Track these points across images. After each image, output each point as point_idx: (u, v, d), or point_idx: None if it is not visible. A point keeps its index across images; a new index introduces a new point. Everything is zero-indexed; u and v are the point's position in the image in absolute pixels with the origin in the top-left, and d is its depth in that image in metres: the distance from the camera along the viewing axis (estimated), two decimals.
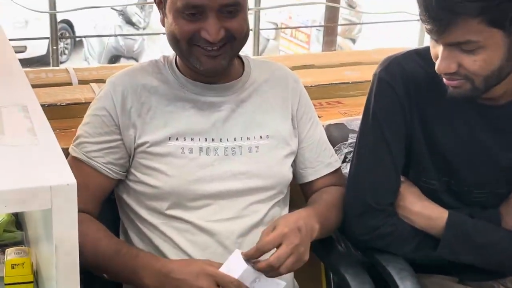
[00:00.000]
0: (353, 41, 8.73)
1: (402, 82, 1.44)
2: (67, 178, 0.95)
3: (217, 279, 1.25)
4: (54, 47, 3.46)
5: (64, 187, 0.93)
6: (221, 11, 1.32)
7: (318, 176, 1.56)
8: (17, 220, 1.40)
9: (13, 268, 1.18)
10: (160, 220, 1.42)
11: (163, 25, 1.40)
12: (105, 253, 1.34)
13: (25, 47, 6.94)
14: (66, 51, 8.52)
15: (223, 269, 1.27)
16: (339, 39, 6.96)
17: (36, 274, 1.21)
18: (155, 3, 1.41)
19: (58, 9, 3.46)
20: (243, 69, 1.51)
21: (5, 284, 1.19)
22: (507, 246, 1.46)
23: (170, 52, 1.49)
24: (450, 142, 1.46)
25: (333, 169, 1.58)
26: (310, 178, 1.56)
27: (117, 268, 1.35)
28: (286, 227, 1.32)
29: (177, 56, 1.46)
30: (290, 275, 1.51)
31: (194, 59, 1.37)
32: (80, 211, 1.02)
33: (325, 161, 1.57)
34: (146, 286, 1.35)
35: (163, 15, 1.39)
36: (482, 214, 1.48)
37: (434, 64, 1.34)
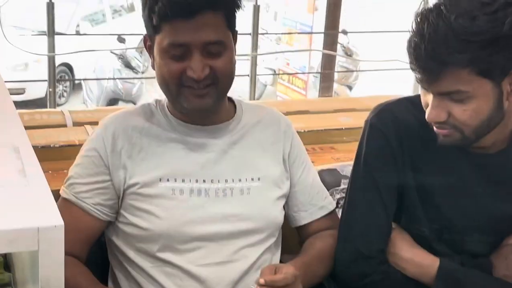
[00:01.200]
0: (350, 88, 8.79)
1: (393, 129, 1.45)
2: (55, 219, 0.94)
3: None
4: (51, 89, 3.48)
5: (52, 229, 0.93)
6: (205, 49, 1.34)
7: (312, 219, 1.56)
8: (6, 262, 1.38)
9: None
10: (149, 263, 1.41)
11: (154, 69, 1.41)
12: None
13: (24, 89, 6.97)
14: (65, 94, 8.56)
15: None
16: (336, 86, 7.01)
17: None
18: (146, 48, 1.43)
19: (57, 51, 3.49)
20: (235, 112, 1.51)
21: None
22: None
23: (164, 97, 1.50)
24: (441, 190, 1.46)
25: (327, 212, 1.57)
26: (304, 221, 1.55)
27: None
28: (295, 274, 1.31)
29: (167, 97, 1.46)
30: None
31: (183, 99, 1.38)
32: (66, 254, 1.01)
33: (319, 204, 1.57)
34: None
35: (153, 59, 1.40)
36: (474, 262, 1.47)
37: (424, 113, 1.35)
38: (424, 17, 1.28)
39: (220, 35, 1.35)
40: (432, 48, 1.25)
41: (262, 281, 1.25)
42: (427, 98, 1.34)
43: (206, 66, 1.34)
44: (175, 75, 1.35)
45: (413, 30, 1.30)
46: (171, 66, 1.35)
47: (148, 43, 1.41)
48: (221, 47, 1.36)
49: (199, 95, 1.37)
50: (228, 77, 1.40)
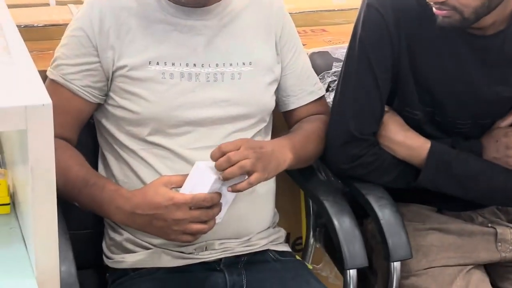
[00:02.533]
0: None
1: (392, 11, 1.41)
2: (43, 98, 0.92)
3: (189, 204, 1.24)
4: None
5: (40, 107, 0.91)
6: None
7: (301, 104, 1.54)
8: None
9: None
10: (140, 146, 1.40)
11: None
12: (74, 183, 1.32)
13: None
14: None
15: (187, 186, 1.25)
16: None
17: (12, 196, 1.20)
18: None
19: None
20: None
21: None
22: (487, 177, 1.47)
23: None
24: (436, 73, 1.44)
25: (317, 97, 1.56)
26: (293, 106, 1.54)
27: (85, 199, 1.33)
28: (249, 141, 1.34)
29: None
30: (271, 204, 1.51)
31: None
32: (57, 136, 1.00)
33: (308, 89, 1.55)
34: (115, 220, 1.37)
35: None
36: (464, 144, 1.48)
37: None
38: None
39: None
40: None
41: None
42: None
43: None
44: None
45: None
46: None
47: None
48: None
49: None
50: None
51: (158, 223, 1.27)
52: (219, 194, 1.27)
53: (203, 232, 1.27)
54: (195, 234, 1.27)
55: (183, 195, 1.25)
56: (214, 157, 1.26)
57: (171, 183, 1.28)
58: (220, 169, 1.25)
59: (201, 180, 1.25)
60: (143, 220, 1.28)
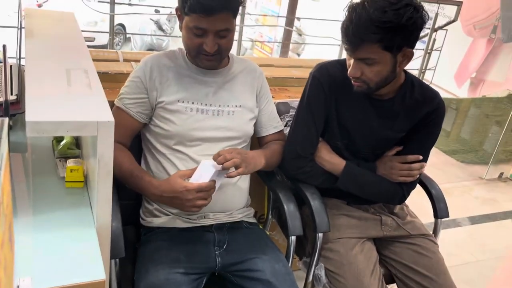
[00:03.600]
0: (298, 55, 8.70)
1: (327, 80, 1.42)
2: (109, 117, 0.92)
3: (197, 189, 1.23)
4: (111, 37, 3.37)
5: (106, 123, 0.91)
6: (217, 34, 1.28)
7: (269, 133, 1.53)
8: (77, 142, 1.35)
9: (71, 171, 1.16)
10: (168, 152, 1.38)
11: (180, 30, 1.34)
12: (125, 172, 1.30)
13: (94, 38, 6.73)
14: (120, 43, 8.31)
15: (195, 177, 1.25)
16: (290, 53, 6.96)
17: (85, 177, 1.18)
18: (177, 15, 1.34)
19: (115, 16, 3.36)
20: (229, 62, 1.46)
21: (66, 181, 1.17)
22: (377, 185, 1.48)
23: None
24: (350, 120, 1.44)
25: (278, 130, 1.55)
26: (263, 134, 1.53)
27: (131, 184, 1.32)
28: (238, 149, 1.35)
29: (187, 55, 1.40)
30: (246, 193, 1.50)
31: (198, 60, 1.34)
32: (116, 142, 0.99)
33: (273, 125, 1.54)
34: (150, 199, 1.38)
35: (181, 25, 1.32)
36: (365, 165, 1.48)
37: (347, 70, 1.32)
38: (353, 9, 1.25)
39: (227, 25, 1.28)
40: (356, 29, 1.22)
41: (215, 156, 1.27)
42: (350, 62, 1.31)
43: (215, 44, 1.29)
44: (195, 45, 1.30)
45: (346, 16, 1.26)
46: (193, 40, 1.29)
47: (178, 13, 1.32)
48: (227, 32, 1.30)
49: (209, 60, 1.33)
50: (228, 49, 1.36)
51: (176, 201, 1.26)
52: (215, 182, 1.26)
53: (204, 205, 1.26)
54: (200, 207, 1.26)
55: (192, 184, 1.24)
56: (214, 158, 1.26)
57: (184, 175, 1.27)
58: (219, 163, 1.25)
59: (204, 173, 1.24)
60: (167, 200, 1.28)
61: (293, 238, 1.43)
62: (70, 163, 1.16)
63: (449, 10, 5.08)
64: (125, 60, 1.89)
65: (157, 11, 7.32)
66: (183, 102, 1.36)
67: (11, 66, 1.46)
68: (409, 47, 1.27)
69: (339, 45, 4.12)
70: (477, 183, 3.64)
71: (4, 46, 1.25)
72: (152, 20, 8.16)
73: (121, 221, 1.20)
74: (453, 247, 2.62)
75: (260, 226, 1.53)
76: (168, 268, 1.23)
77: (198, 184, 1.24)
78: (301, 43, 7.77)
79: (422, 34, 1.30)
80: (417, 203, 1.69)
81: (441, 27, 4.51)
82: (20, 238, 0.78)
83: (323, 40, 4.37)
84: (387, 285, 1.47)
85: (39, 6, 5.89)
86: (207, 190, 1.24)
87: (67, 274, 0.87)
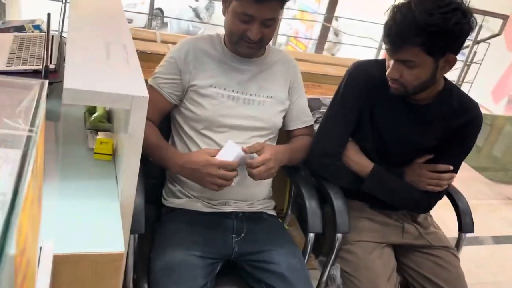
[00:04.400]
0: (333, 55, 8.64)
1: (364, 79, 1.40)
2: (144, 92, 0.93)
3: (219, 165, 1.24)
4: (150, 17, 3.41)
5: (141, 97, 0.91)
6: (263, 22, 1.27)
7: (297, 127, 1.52)
8: (109, 116, 1.37)
9: (101, 144, 1.17)
10: (195, 135, 1.38)
11: (224, 15, 1.34)
12: (151, 143, 1.30)
13: (132, 20, 6.83)
14: (157, 28, 8.42)
15: (220, 155, 1.26)
16: (324, 52, 6.91)
17: (114, 151, 1.19)
18: (222, 0, 1.34)
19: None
20: (264, 52, 1.45)
21: (94, 153, 1.18)
22: (404, 192, 1.45)
23: (222, 33, 1.44)
24: (384, 122, 1.42)
25: (307, 125, 1.53)
26: (292, 127, 1.52)
27: (155, 155, 1.33)
28: (269, 149, 1.33)
29: (226, 38, 1.40)
30: (268, 185, 1.49)
31: (239, 46, 1.33)
32: (147, 119, 0.99)
33: (303, 119, 1.52)
34: (172, 171, 1.36)
35: (226, 9, 1.32)
36: (394, 170, 1.45)
37: (386, 71, 1.30)
38: (398, 9, 1.22)
39: (274, 14, 1.27)
40: (400, 30, 1.20)
41: (244, 148, 1.28)
42: (390, 62, 1.29)
43: (260, 32, 1.28)
44: (239, 31, 1.29)
45: (389, 16, 1.23)
46: (238, 25, 1.28)
47: None
48: (273, 22, 1.29)
49: (250, 47, 1.33)
50: (270, 39, 1.35)
51: (197, 174, 1.26)
52: (238, 163, 1.26)
53: (224, 186, 1.26)
54: (220, 186, 1.26)
55: (215, 159, 1.25)
56: (249, 148, 1.29)
57: (209, 153, 1.28)
58: (250, 149, 1.28)
59: (229, 152, 1.25)
60: (188, 172, 1.28)
61: (311, 235, 1.41)
62: (101, 135, 1.18)
63: (494, 23, 4.93)
64: (163, 42, 1.90)
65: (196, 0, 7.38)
66: (215, 87, 1.36)
67: (52, 37, 1.48)
68: (452, 53, 1.24)
69: (376, 48, 4.05)
70: (505, 203, 3.53)
71: (48, 14, 1.27)
72: (191, 7, 8.23)
73: (144, 198, 1.21)
74: (472, 265, 2.55)
75: (279, 220, 1.53)
76: (185, 250, 1.24)
77: (221, 160, 1.24)
78: (337, 42, 7.70)
79: (465, 43, 1.26)
80: (442, 215, 1.66)
81: (483, 40, 4.38)
82: (46, 203, 0.79)
83: (360, 41, 4.31)
84: None
85: None
86: (229, 170, 1.24)
87: (88, 242, 0.89)
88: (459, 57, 1.29)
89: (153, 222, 1.42)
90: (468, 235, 1.60)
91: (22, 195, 0.44)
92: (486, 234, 2.95)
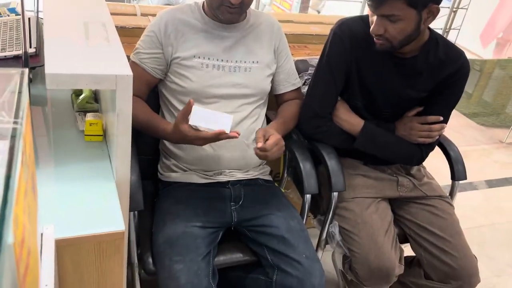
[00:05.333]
0: (318, 12, 8.47)
1: (349, 37, 1.38)
2: (127, 71, 0.91)
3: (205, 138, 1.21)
4: None
5: (125, 76, 0.90)
6: None
7: (286, 91, 1.51)
8: (95, 96, 1.36)
9: (90, 125, 1.17)
10: None
11: None
12: (142, 120, 1.31)
13: None
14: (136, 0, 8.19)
15: (192, 120, 1.19)
16: (310, 10, 6.78)
17: (104, 131, 1.19)
18: None
19: None
20: (246, 16, 1.42)
21: (85, 135, 1.18)
22: (396, 146, 1.46)
23: (199, 1, 1.42)
24: (372, 78, 1.42)
25: (295, 88, 1.53)
26: (280, 91, 1.51)
27: (148, 129, 1.33)
28: (273, 130, 1.32)
29: (205, 5, 1.37)
30: None
31: (219, 12, 1.30)
32: (134, 95, 0.99)
33: (291, 82, 1.51)
34: (166, 138, 1.34)
35: None
36: (385, 125, 1.46)
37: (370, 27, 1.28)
38: None
39: None
40: None
41: (260, 145, 1.24)
42: (373, 18, 1.27)
43: None
44: None
45: None
46: None
47: None
48: None
49: (230, 12, 1.30)
50: (251, 2, 1.32)
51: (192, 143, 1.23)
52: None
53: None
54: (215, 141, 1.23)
55: (200, 133, 1.20)
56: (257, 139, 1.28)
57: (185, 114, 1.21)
58: (257, 140, 1.27)
59: (220, 123, 1.18)
60: (178, 137, 1.25)
61: (308, 196, 1.44)
62: (89, 117, 1.17)
63: None
64: (143, 15, 1.85)
65: None
66: (199, 57, 1.35)
67: (29, 19, 1.45)
68: (434, 3, 1.22)
69: (361, 1, 3.98)
70: (497, 146, 3.58)
71: None
72: None
73: (140, 175, 1.22)
74: (468, 210, 2.62)
75: (276, 184, 1.55)
76: (185, 221, 1.26)
77: (205, 134, 1.20)
78: None
79: None
80: (435, 165, 1.68)
81: None
82: (42, 189, 0.80)
83: None
84: (401, 245, 1.48)
85: None
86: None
87: (88, 224, 0.90)
88: (445, 3, 1.27)
89: (152, 197, 1.44)
90: (462, 181, 1.63)
91: (14, 189, 0.44)
92: (480, 179, 3.00)
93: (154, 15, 1.82)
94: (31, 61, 1.31)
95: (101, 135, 1.17)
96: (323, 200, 1.55)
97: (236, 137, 1.19)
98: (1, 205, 0.41)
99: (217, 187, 1.38)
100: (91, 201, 0.97)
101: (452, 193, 1.63)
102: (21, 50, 1.24)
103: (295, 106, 1.49)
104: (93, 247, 0.87)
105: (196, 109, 1.20)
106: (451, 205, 1.53)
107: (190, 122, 1.19)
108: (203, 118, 1.19)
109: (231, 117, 1.19)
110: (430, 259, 1.43)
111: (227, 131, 1.18)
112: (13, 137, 0.52)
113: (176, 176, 1.40)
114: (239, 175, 1.42)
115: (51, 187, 0.99)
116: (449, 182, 1.64)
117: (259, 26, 1.44)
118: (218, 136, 1.19)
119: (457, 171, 1.61)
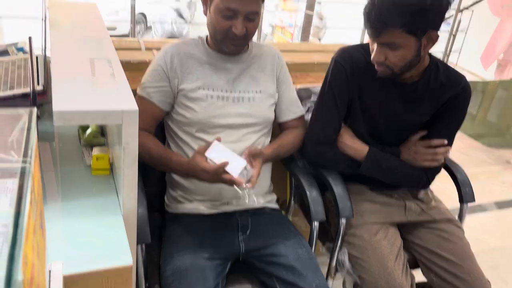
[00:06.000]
0: (319, 39, 8.59)
1: (350, 65, 1.40)
2: (133, 105, 0.93)
3: (214, 171, 1.23)
4: (132, 26, 3.40)
5: (131, 111, 0.92)
6: (247, 16, 1.28)
7: (288, 119, 1.52)
8: (102, 131, 1.37)
9: (97, 159, 1.18)
10: (190, 139, 1.39)
11: (205, 15, 1.35)
12: (155, 155, 1.33)
13: (115, 27, 6.79)
14: (141, 32, 8.37)
15: (209, 153, 1.25)
16: (311, 38, 6.89)
17: (111, 164, 1.20)
18: (202, 1, 1.34)
19: (136, 5, 3.39)
20: (248, 48, 1.45)
21: (92, 169, 1.19)
22: (401, 170, 1.46)
23: (203, 34, 1.45)
24: (374, 104, 1.43)
25: (298, 116, 1.54)
26: (283, 119, 1.52)
27: (160, 165, 1.34)
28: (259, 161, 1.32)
29: (209, 37, 1.40)
30: (268, 179, 1.50)
31: (224, 44, 1.34)
32: (142, 129, 1.00)
33: (293, 110, 1.53)
34: (176, 173, 1.38)
35: (207, 9, 1.33)
36: (389, 149, 1.47)
37: (371, 55, 1.31)
38: None
39: (257, 8, 1.28)
40: (379, 13, 1.20)
41: (249, 185, 1.24)
42: (373, 46, 1.29)
43: (244, 27, 1.29)
44: (223, 29, 1.30)
45: (368, 0, 1.23)
46: (222, 22, 1.29)
47: None
48: (256, 15, 1.30)
49: (235, 44, 1.33)
50: (253, 34, 1.35)
51: (200, 177, 1.26)
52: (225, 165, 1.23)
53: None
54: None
55: (211, 166, 1.23)
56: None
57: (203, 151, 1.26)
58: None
59: (233, 166, 1.22)
60: (194, 177, 1.28)
61: (316, 223, 1.43)
62: (96, 151, 1.18)
63: None
64: (147, 49, 1.89)
65: None
66: (203, 89, 1.37)
67: (37, 57, 1.48)
68: (434, 29, 1.24)
69: (361, 29, 4.05)
70: (505, 167, 3.56)
71: (30, 38, 1.27)
72: (172, 8, 8.18)
73: (146, 207, 1.22)
74: (479, 232, 2.58)
75: (283, 212, 1.54)
76: (193, 253, 1.26)
77: (215, 166, 1.23)
78: (322, 27, 7.67)
79: (447, 15, 1.27)
80: (442, 188, 1.67)
81: (466, 8, 4.38)
82: (50, 225, 0.80)
83: (345, 23, 4.30)
84: (412, 270, 1.46)
85: None
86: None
87: (96, 260, 0.90)
88: (444, 27, 1.29)
89: (159, 229, 1.43)
90: (471, 203, 1.62)
91: (23, 228, 0.45)
92: (489, 200, 2.97)
93: (158, 48, 1.86)
94: (39, 98, 1.34)
95: (108, 169, 1.18)
96: (331, 227, 1.54)
97: (240, 183, 1.22)
98: (11, 244, 0.42)
99: (224, 217, 1.38)
100: (98, 236, 0.97)
101: (461, 216, 1.61)
102: (29, 88, 1.27)
103: (294, 133, 1.50)
104: (101, 283, 0.87)
105: (216, 144, 1.25)
106: (461, 228, 1.51)
107: (206, 153, 1.24)
108: (219, 154, 1.23)
109: (244, 163, 1.22)
110: (442, 284, 1.40)
111: (235, 175, 1.21)
112: (22, 175, 0.53)
113: (183, 207, 1.41)
114: (246, 205, 1.42)
115: (58, 223, 0.99)
116: (458, 204, 1.62)
117: (261, 56, 1.47)
118: (223, 175, 1.21)
119: (465, 193, 1.60)
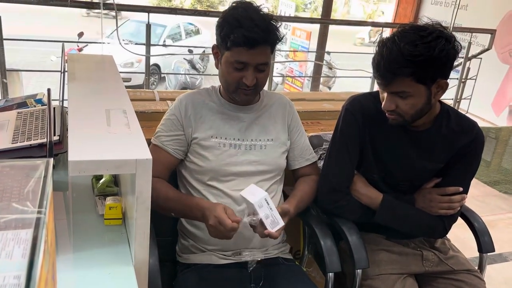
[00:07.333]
0: (329, 88, 8.72)
1: (360, 113, 1.41)
2: (147, 155, 0.94)
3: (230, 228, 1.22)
4: (147, 78, 3.49)
5: (144, 160, 0.93)
6: (257, 67, 1.31)
7: (301, 166, 1.52)
8: (115, 180, 1.38)
9: (110, 209, 1.18)
10: (202, 187, 1.39)
11: (217, 68, 1.39)
12: (173, 199, 1.33)
13: (130, 78, 7.00)
14: (155, 83, 8.61)
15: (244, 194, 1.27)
16: (321, 87, 7.01)
17: (124, 214, 1.20)
18: (213, 53, 1.39)
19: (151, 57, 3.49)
20: (259, 97, 1.48)
21: (105, 219, 1.19)
22: (417, 218, 1.43)
23: (216, 84, 1.49)
24: (386, 152, 1.42)
25: (311, 163, 1.54)
26: (296, 166, 1.53)
27: (179, 208, 1.33)
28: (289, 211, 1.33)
29: (222, 88, 1.44)
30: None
31: (236, 95, 1.37)
32: (156, 177, 1.01)
33: (306, 157, 1.53)
34: (195, 219, 1.34)
35: (218, 62, 1.37)
36: (403, 197, 1.45)
37: (381, 103, 1.32)
38: (384, 44, 1.25)
39: (266, 59, 1.32)
40: (388, 64, 1.22)
41: (267, 232, 1.23)
42: (384, 95, 1.31)
43: (254, 78, 1.32)
44: (235, 80, 1.33)
45: (376, 51, 1.26)
46: (233, 74, 1.33)
47: (215, 51, 1.37)
48: (265, 66, 1.34)
49: (246, 94, 1.36)
50: (264, 84, 1.39)
51: (211, 228, 1.24)
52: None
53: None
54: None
55: (226, 219, 1.21)
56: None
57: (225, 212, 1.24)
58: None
59: (253, 193, 1.25)
60: (205, 214, 1.26)
61: (331, 274, 1.39)
62: (109, 200, 1.19)
63: (483, 39, 5.01)
64: (161, 99, 1.94)
65: (190, 51, 7.58)
66: (216, 138, 1.39)
67: (54, 108, 1.53)
68: (443, 78, 1.26)
69: (370, 77, 4.11)
70: None
71: (48, 90, 1.31)
72: (186, 59, 8.44)
73: (158, 257, 1.20)
74: (502, 283, 2.48)
75: (297, 262, 1.51)
76: None
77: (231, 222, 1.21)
78: (332, 76, 7.81)
79: (455, 63, 1.28)
80: (460, 236, 1.63)
81: (474, 56, 4.45)
82: (61, 275, 0.79)
83: (354, 72, 4.38)
84: None
85: (80, 50, 6.20)
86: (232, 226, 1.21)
87: None
88: (453, 75, 1.31)
89: (171, 280, 1.41)
90: (491, 253, 1.57)
91: (36, 280, 0.45)
92: (510, 249, 2.87)
93: (172, 99, 1.91)
94: (55, 148, 1.36)
95: (120, 219, 1.18)
96: (346, 278, 1.50)
97: (238, 221, 1.22)
98: None
99: (237, 268, 1.35)
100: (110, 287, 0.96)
101: (481, 267, 1.56)
102: (46, 139, 1.29)
103: (310, 183, 1.50)
104: None
105: (252, 186, 1.30)
106: (482, 279, 1.46)
107: (241, 193, 1.27)
108: (249, 191, 1.27)
109: (264, 193, 1.24)
110: None
111: (253, 202, 1.21)
112: (37, 226, 0.53)
113: (195, 258, 1.39)
114: (259, 255, 1.39)
115: (70, 274, 0.98)
116: (477, 254, 1.57)
117: (272, 105, 1.49)
118: (225, 221, 1.20)
119: (483, 242, 1.55)
